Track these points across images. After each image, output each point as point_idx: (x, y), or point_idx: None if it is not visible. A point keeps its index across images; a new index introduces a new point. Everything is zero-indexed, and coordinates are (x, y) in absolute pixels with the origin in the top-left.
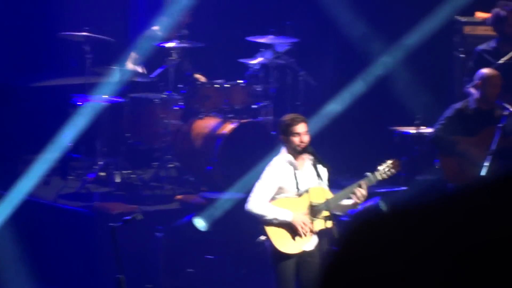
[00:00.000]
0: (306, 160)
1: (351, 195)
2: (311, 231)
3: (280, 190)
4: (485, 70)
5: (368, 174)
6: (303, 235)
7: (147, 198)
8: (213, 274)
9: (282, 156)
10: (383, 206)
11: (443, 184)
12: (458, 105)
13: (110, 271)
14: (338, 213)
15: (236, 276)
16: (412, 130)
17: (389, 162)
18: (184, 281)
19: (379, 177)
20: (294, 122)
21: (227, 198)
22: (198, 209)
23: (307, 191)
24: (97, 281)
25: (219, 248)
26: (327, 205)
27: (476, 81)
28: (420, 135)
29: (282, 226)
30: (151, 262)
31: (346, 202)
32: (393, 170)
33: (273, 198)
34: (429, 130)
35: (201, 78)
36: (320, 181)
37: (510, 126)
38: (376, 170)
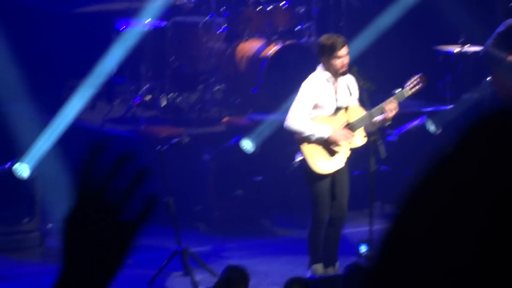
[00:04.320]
0: (341, 78)
1: (383, 109)
2: (349, 148)
3: (316, 107)
4: None
5: (397, 90)
6: (340, 150)
7: (193, 121)
8: (261, 195)
9: (319, 74)
10: (430, 125)
11: (489, 102)
12: (511, 20)
13: (158, 194)
14: (370, 129)
15: (283, 197)
16: (456, 48)
17: (416, 76)
18: (232, 202)
19: (407, 93)
20: (337, 45)
21: (273, 119)
22: (245, 131)
23: (342, 109)
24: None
25: (267, 169)
26: (362, 122)
27: None
28: (464, 54)
29: (318, 145)
30: (199, 184)
31: (377, 118)
32: (421, 85)
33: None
34: (473, 48)
35: None
36: (354, 97)
37: None
38: (404, 86)
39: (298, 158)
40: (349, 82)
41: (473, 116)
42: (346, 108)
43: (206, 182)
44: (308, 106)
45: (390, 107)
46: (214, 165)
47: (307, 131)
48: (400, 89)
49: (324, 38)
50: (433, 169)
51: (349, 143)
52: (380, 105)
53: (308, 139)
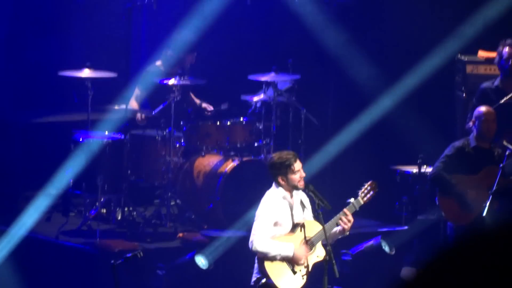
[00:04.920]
0: (295, 194)
1: (339, 222)
2: (308, 265)
3: (275, 225)
4: (480, 108)
5: (351, 200)
6: (302, 267)
7: (148, 235)
8: None
9: (276, 191)
10: (385, 245)
11: (444, 224)
12: (458, 143)
13: None
14: (327, 242)
15: None
16: (413, 169)
17: (367, 184)
18: None
19: (361, 201)
20: (292, 160)
21: (228, 236)
22: (199, 247)
23: (299, 225)
24: None
25: (221, 286)
26: (320, 236)
27: (472, 119)
28: (421, 175)
29: (281, 262)
30: None
31: (335, 229)
32: (372, 192)
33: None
34: (431, 169)
35: (208, 107)
36: (308, 212)
37: (511, 166)
38: (357, 195)
39: (263, 280)
40: (302, 197)
41: (431, 242)
42: (303, 224)
43: None
44: (269, 226)
45: (345, 219)
46: (168, 280)
47: (272, 252)
48: (353, 199)
49: (277, 156)
50: None
51: (307, 258)
52: (335, 217)
53: (272, 259)
